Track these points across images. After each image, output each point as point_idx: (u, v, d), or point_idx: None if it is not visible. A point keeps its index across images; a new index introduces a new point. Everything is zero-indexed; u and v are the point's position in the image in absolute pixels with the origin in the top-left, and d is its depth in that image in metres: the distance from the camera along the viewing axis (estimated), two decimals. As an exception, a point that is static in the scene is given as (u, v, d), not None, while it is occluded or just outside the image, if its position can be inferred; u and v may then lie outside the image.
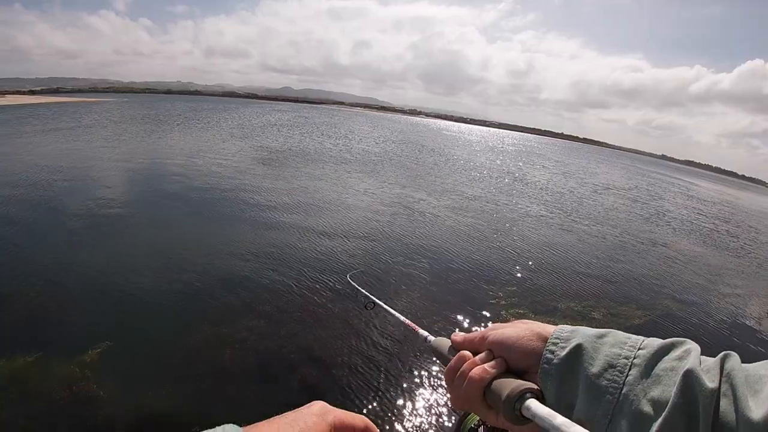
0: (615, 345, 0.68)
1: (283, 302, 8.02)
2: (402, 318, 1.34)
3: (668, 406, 0.56)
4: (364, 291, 2.56)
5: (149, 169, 20.03)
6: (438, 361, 0.95)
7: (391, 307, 1.57)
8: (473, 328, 7.63)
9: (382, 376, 6.29)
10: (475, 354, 0.80)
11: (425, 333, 1.10)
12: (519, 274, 10.73)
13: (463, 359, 0.79)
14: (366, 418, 0.72)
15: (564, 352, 0.69)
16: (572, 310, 8.93)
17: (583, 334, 0.71)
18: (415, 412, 5.68)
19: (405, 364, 6.62)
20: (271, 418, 0.63)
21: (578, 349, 0.69)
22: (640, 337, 0.69)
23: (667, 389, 0.58)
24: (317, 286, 8.82)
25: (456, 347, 0.87)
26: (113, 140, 30.30)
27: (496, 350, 0.77)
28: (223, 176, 18.92)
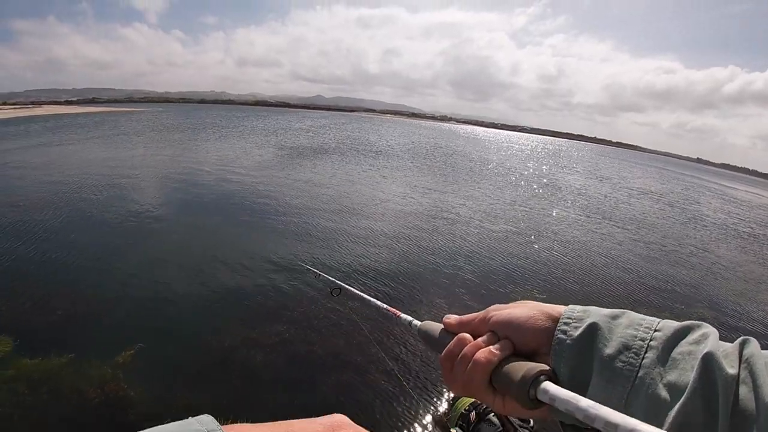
0: (630, 326, 0.63)
1: (313, 309, 8.01)
2: (379, 303, 1.29)
3: (686, 391, 0.52)
4: (329, 277, 2.60)
5: (185, 175, 20.39)
6: (428, 348, 0.90)
7: (364, 293, 1.53)
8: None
9: (400, 384, 6.24)
10: (474, 337, 0.75)
11: (408, 317, 1.04)
12: (550, 277, 10.60)
13: (464, 342, 0.74)
14: None
15: (577, 332, 0.65)
16: None
17: (596, 313, 0.67)
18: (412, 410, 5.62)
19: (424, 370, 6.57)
20: (273, 423, 0.61)
21: (593, 329, 0.65)
22: (655, 318, 0.65)
23: (684, 373, 0.55)
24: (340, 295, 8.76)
25: (451, 330, 0.82)
26: (152, 148, 31.06)
27: (500, 331, 0.72)
28: (258, 183, 19.11)
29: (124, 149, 29.89)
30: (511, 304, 0.75)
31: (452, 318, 0.82)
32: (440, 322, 0.86)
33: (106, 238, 11.24)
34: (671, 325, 0.62)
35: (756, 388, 0.49)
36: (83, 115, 73.15)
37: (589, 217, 19.25)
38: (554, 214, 18.83)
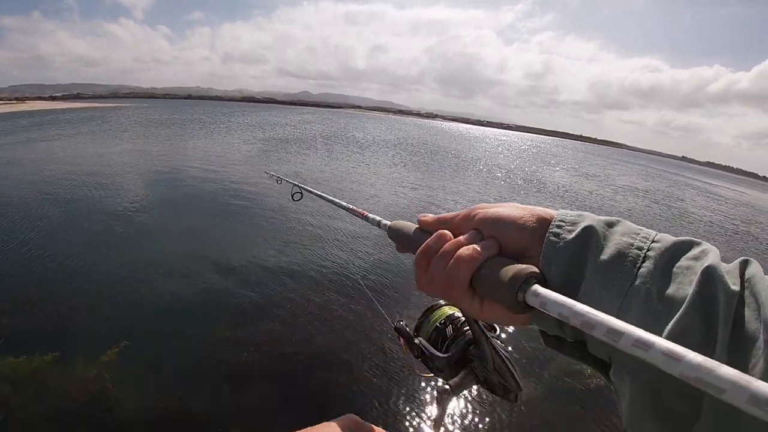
0: (626, 234, 0.59)
1: (298, 307, 7.98)
2: (343, 203, 1.24)
3: (684, 304, 0.49)
4: (290, 180, 2.53)
5: (171, 172, 20.24)
6: (400, 248, 0.83)
7: (326, 194, 1.50)
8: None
9: (392, 385, 6.24)
10: (455, 236, 0.69)
11: (376, 217, 0.97)
12: None
13: (444, 238, 0.68)
14: None
15: (571, 236, 0.60)
16: None
17: (591, 218, 0.62)
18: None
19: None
20: None
21: (587, 233, 0.60)
22: (652, 230, 0.61)
23: (682, 287, 0.51)
24: (332, 291, 8.76)
25: (427, 229, 0.75)
26: (138, 144, 30.83)
27: (486, 230, 0.66)
28: (245, 180, 18.97)
29: (109, 145, 29.56)
30: (498, 204, 0.70)
31: (428, 216, 0.76)
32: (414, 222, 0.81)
33: (91, 237, 11.10)
34: (669, 238, 0.59)
35: (759, 307, 0.46)
36: (68, 110, 72.52)
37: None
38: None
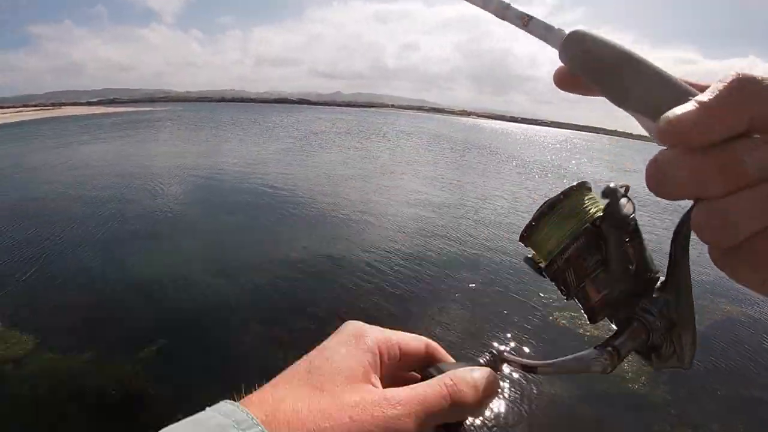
0: None
1: (333, 307, 7.93)
2: None
3: None
4: None
5: (208, 173, 20.46)
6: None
7: None
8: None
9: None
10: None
11: (518, 8, 0.53)
12: None
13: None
14: (425, 338, 0.55)
15: None
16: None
17: None
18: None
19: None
20: (292, 367, 0.51)
21: None
22: None
23: None
24: (366, 287, 8.71)
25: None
26: (175, 145, 31.39)
27: None
28: (283, 181, 18.94)
29: (148, 148, 30.23)
30: None
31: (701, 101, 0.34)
32: None
33: (129, 236, 11.34)
34: None
35: None
36: (105, 115, 74.25)
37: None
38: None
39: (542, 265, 0.60)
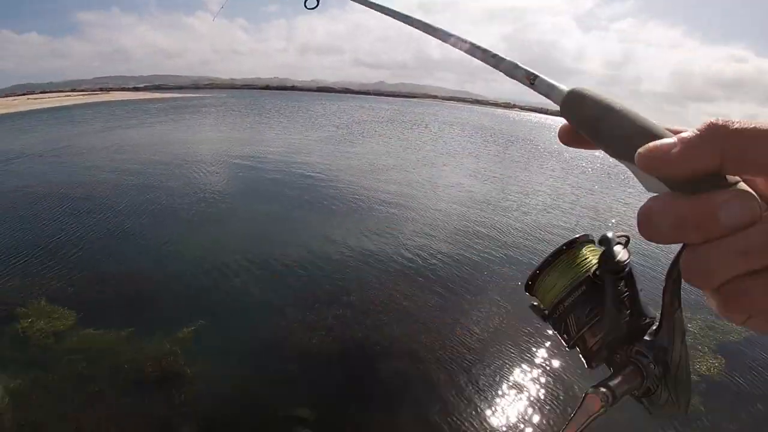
0: None
1: (369, 295, 7.89)
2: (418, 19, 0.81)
3: None
4: None
5: (251, 159, 20.72)
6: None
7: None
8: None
9: (466, 375, 6.03)
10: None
11: (526, 67, 0.57)
12: None
13: (746, 212, 0.35)
14: None
15: None
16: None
17: None
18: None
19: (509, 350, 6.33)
20: None
21: None
22: None
23: None
24: (402, 279, 8.65)
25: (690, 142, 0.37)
26: (220, 132, 31.94)
27: None
28: (324, 170, 18.97)
29: (193, 133, 30.77)
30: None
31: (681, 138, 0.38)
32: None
33: (174, 219, 11.61)
34: None
35: None
36: (151, 100, 75.91)
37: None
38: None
39: (546, 312, 0.67)
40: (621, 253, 0.61)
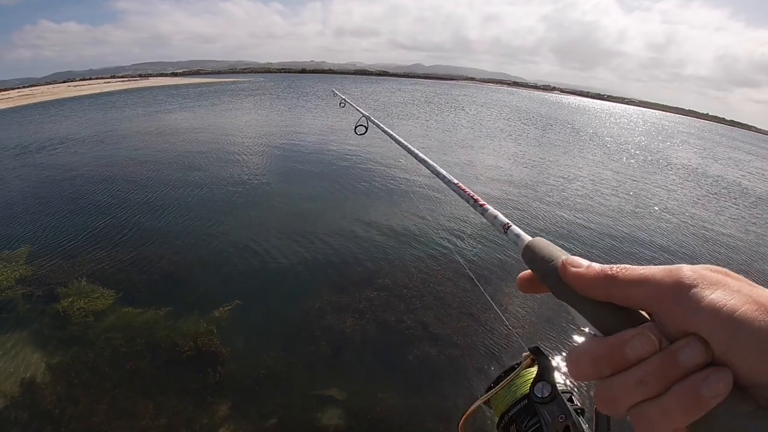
0: None
1: (403, 279, 7.86)
2: (437, 168, 0.97)
3: None
4: (356, 107, 2.26)
5: (289, 141, 20.94)
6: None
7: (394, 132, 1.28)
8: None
9: (497, 364, 5.97)
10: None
11: (503, 218, 0.68)
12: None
13: (650, 345, 0.40)
14: None
15: None
16: None
17: None
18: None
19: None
20: None
21: None
22: None
23: None
24: (437, 263, 8.60)
25: (587, 285, 0.46)
26: (257, 115, 32.19)
27: (716, 340, 0.38)
28: (361, 152, 18.94)
29: (232, 116, 31.13)
30: (721, 280, 0.41)
31: (584, 265, 0.47)
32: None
33: (212, 201, 11.75)
34: None
35: None
36: (190, 85, 77.13)
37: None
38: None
39: (497, 421, 0.78)
40: (543, 389, 0.73)
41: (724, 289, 0.39)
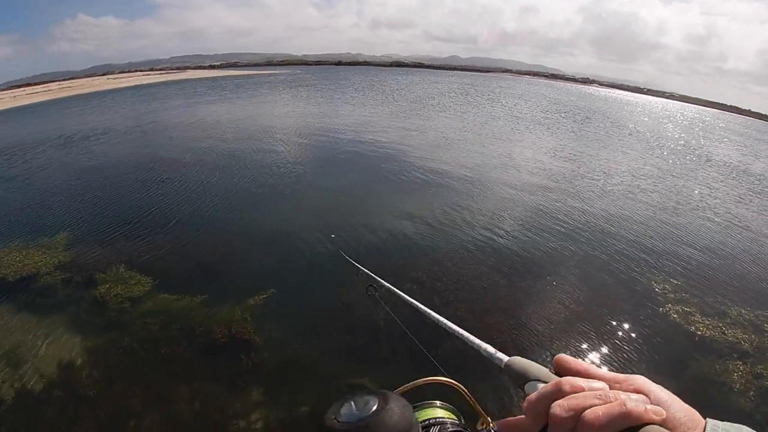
0: None
1: (438, 270, 7.88)
2: (443, 320, 1.09)
3: None
4: (368, 270, 2.27)
5: (326, 133, 20.94)
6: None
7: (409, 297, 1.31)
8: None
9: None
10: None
11: (489, 348, 0.80)
12: (688, 266, 9.20)
13: (602, 393, 0.55)
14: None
15: None
16: (744, 318, 7.35)
17: None
18: None
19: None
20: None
21: None
22: None
23: None
24: (471, 257, 8.62)
25: (562, 373, 0.61)
26: (295, 107, 32.35)
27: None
28: (400, 143, 18.98)
29: (271, 108, 31.41)
30: (658, 387, 0.56)
31: (569, 359, 0.62)
32: (542, 363, 0.64)
33: (249, 192, 11.98)
34: None
35: None
36: (228, 77, 77.96)
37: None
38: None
39: None
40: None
41: (646, 385, 0.57)
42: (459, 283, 7.49)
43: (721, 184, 17.90)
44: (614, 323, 6.76)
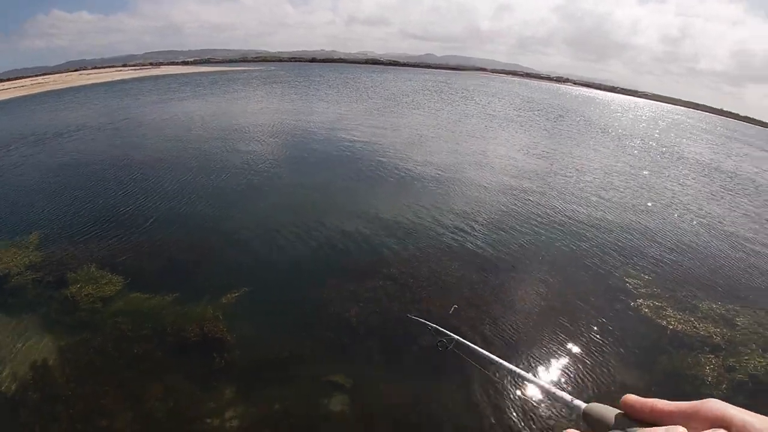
0: None
1: (410, 267, 7.91)
2: (522, 372, 1.06)
3: None
4: (436, 326, 2.52)
5: (297, 130, 20.89)
6: None
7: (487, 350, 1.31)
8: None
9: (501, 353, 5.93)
10: None
11: (566, 396, 0.80)
12: (660, 261, 9.48)
13: None
14: None
15: None
16: (715, 312, 7.53)
17: None
18: None
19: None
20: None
21: None
22: None
23: None
24: (444, 254, 8.67)
25: (636, 417, 0.57)
26: (267, 103, 32.14)
27: None
28: (373, 140, 19.00)
29: (244, 104, 31.14)
30: (738, 408, 0.49)
31: (637, 399, 0.57)
32: (610, 404, 0.62)
33: (221, 190, 11.85)
34: None
35: None
36: (202, 74, 77.17)
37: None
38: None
39: None
40: None
41: (726, 409, 0.49)
42: (431, 280, 7.54)
43: (693, 181, 18.13)
44: (588, 318, 6.93)
